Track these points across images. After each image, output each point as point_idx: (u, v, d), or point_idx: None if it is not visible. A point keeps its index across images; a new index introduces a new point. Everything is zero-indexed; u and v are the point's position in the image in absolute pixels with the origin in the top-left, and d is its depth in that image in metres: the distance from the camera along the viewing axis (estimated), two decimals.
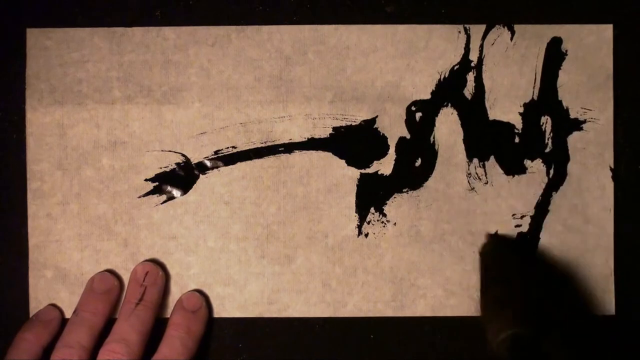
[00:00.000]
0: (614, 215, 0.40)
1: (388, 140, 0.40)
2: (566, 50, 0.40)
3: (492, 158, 0.40)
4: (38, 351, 0.37)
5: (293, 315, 0.40)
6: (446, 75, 0.40)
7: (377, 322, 0.40)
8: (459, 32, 0.40)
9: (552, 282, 0.40)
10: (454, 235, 0.40)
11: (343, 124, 0.40)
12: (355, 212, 0.40)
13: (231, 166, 0.40)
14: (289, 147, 0.40)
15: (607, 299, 0.40)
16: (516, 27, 0.40)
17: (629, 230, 0.40)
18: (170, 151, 0.40)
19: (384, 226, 0.40)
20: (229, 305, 0.40)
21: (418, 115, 0.40)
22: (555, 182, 0.40)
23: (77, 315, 0.37)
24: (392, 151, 0.40)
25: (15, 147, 0.40)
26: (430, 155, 0.40)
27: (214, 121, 0.40)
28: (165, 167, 0.40)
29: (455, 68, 0.40)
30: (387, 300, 0.40)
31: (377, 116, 0.40)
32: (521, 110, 0.40)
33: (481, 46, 0.40)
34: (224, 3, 0.40)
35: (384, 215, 0.40)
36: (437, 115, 0.40)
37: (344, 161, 0.40)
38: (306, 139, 0.40)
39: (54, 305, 0.39)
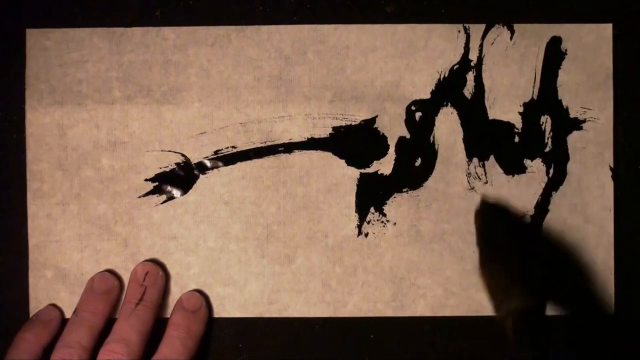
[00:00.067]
0: (614, 214, 0.40)
1: (388, 140, 0.40)
2: (566, 50, 0.40)
3: (492, 158, 0.40)
4: (38, 351, 0.37)
5: (293, 315, 0.40)
6: (446, 75, 0.40)
7: (377, 322, 0.40)
8: (459, 31, 0.40)
9: (556, 262, 0.40)
10: (454, 235, 0.40)
11: (343, 123, 0.40)
12: (355, 212, 0.40)
13: (231, 166, 0.40)
14: (289, 147, 0.40)
15: (607, 298, 0.40)
16: (516, 26, 0.40)
17: (629, 230, 0.40)
18: (170, 151, 0.40)
19: (383, 226, 0.40)
20: (229, 305, 0.40)
21: (418, 114, 0.40)
22: (555, 182, 0.40)
23: (77, 315, 0.37)
24: (392, 151, 0.40)
25: (15, 147, 0.40)
26: (430, 155, 0.40)
27: (213, 121, 0.40)
28: (165, 167, 0.40)
29: (455, 67, 0.40)
30: (387, 300, 0.40)
31: (376, 116, 0.40)
32: (521, 109, 0.40)
33: (481, 45, 0.40)
34: (224, 3, 0.40)
35: (384, 215, 0.40)
36: (436, 115, 0.40)
37: (343, 161, 0.40)
38: (306, 139, 0.40)
39: (54, 305, 0.39)
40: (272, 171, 0.40)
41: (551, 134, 0.40)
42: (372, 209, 0.40)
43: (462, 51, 0.40)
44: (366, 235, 0.40)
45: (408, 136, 0.40)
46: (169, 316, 0.39)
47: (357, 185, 0.40)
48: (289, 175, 0.40)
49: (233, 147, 0.40)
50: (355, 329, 0.40)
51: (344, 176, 0.40)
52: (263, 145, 0.40)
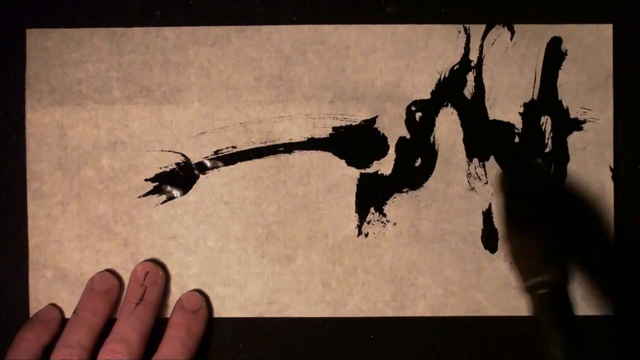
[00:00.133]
0: (614, 215, 0.40)
1: (388, 140, 0.40)
2: (566, 50, 0.40)
3: (492, 158, 0.40)
4: (38, 351, 0.37)
5: (293, 315, 0.40)
6: (446, 75, 0.40)
7: (377, 322, 0.40)
8: (459, 32, 0.40)
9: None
10: (454, 235, 0.40)
11: (343, 123, 0.40)
12: (355, 212, 0.40)
13: (231, 166, 0.40)
14: (289, 147, 0.40)
15: (607, 298, 0.40)
16: (516, 27, 0.40)
17: (629, 230, 0.40)
18: (170, 151, 0.40)
19: (383, 226, 0.40)
20: (229, 305, 0.40)
21: (418, 115, 0.40)
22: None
23: (77, 315, 0.37)
24: (392, 151, 0.40)
25: (15, 147, 0.40)
26: (430, 155, 0.40)
27: (213, 121, 0.40)
28: (165, 167, 0.40)
29: (455, 68, 0.40)
30: (387, 300, 0.40)
31: (377, 116, 0.40)
32: (521, 110, 0.40)
33: (481, 46, 0.40)
34: (224, 3, 0.40)
35: (384, 215, 0.40)
36: (437, 115, 0.40)
37: (344, 161, 0.40)
38: (306, 139, 0.40)
39: (54, 305, 0.39)
40: (272, 171, 0.40)
41: (551, 134, 0.40)
42: (372, 209, 0.40)
43: (462, 51, 0.40)
44: (366, 235, 0.40)
45: (408, 136, 0.40)
46: (169, 316, 0.39)
47: (357, 186, 0.40)
48: (289, 175, 0.40)
49: (233, 147, 0.40)
50: (355, 329, 0.40)
51: (344, 176, 0.40)
52: (263, 145, 0.40)
